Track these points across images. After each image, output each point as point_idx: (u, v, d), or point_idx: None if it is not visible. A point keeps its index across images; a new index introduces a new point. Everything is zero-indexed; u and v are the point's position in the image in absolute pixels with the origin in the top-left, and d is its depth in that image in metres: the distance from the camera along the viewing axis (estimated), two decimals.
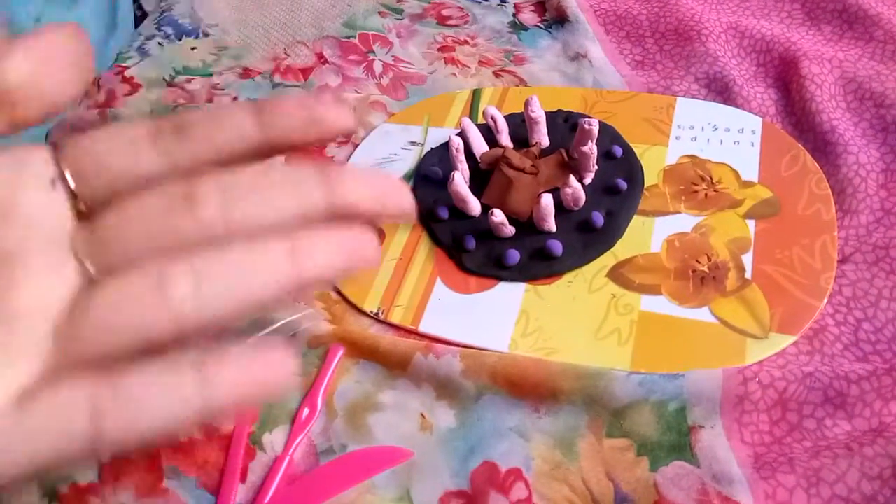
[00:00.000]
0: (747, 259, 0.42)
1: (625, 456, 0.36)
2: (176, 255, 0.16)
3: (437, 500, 0.36)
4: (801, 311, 0.39)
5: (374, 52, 0.61)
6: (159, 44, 0.67)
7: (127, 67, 0.65)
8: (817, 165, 0.45)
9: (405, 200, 0.18)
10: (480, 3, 0.64)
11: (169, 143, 0.17)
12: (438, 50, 0.60)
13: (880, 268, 0.40)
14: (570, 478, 0.36)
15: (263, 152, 0.18)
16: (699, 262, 0.42)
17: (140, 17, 0.98)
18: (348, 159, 0.53)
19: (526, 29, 0.61)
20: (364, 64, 0.60)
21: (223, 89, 0.61)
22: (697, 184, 0.46)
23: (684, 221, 0.44)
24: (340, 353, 0.42)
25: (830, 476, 0.33)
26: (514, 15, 0.62)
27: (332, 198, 0.17)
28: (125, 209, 0.16)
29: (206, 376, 0.15)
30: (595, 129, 0.44)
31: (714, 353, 0.38)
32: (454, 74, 0.58)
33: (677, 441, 0.35)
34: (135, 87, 0.63)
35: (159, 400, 0.15)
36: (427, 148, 0.52)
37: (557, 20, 0.60)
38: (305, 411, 0.39)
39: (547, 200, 0.43)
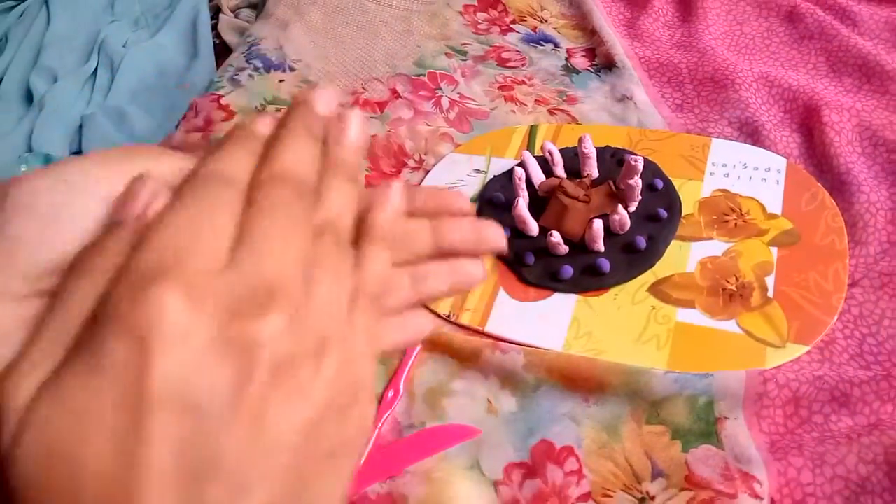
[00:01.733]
0: (770, 280, 0.49)
1: (661, 439, 0.43)
2: None
3: (502, 470, 0.43)
4: (814, 326, 0.46)
5: (441, 89, 0.69)
6: (250, 75, 0.76)
7: (222, 96, 0.74)
8: (833, 202, 0.52)
9: (498, 241, 0.25)
10: (536, 47, 0.72)
11: None
12: (499, 89, 0.68)
13: (885, 292, 0.47)
14: (615, 455, 0.43)
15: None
16: (728, 282, 0.49)
17: (218, 45, 1.08)
18: (420, 183, 0.61)
19: (577, 72, 0.69)
20: (433, 100, 0.68)
21: None
22: (728, 214, 0.53)
23: (716, 247, 0.51)
24: (418, 347, 0.49)
25: (833, 459, 0.39)
26: (566, 59, 0.70)
27: (439, 242, 0.24)
28: None
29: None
30: (640, 164, 0.51)
31: (739, 358, 0.45)
32: (513, 111, 0.66)
33: (706, 429, 0.42)
34: (230, 114, 0.72)
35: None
36: (490, 175, 0.60)
37: (606, 65, 0.68)
38: (390, 393, 0.47)
39: (597, 225, 0.50)
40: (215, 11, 1.10)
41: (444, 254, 0.24)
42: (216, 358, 0.15)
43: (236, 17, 1.06)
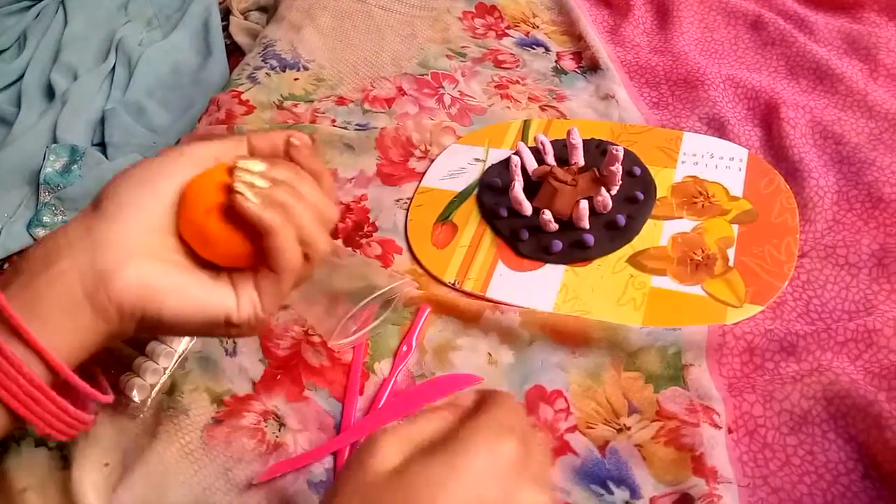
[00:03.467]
0: (731, 252, 0.56)
1: (636, 383, 0.50)
2: None
3: None
4: (768, 290, 0.54)
5: (443, 87, 0.77)
6: (267, 74, 0.83)
7: (241, 92, 0.81)
8: (788, 186, 0.60)
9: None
10: (529, 50, 0.80)
11: None
12: (495, 87, 0.76)
13: (829, 262, 0.55)
14: (597, 397, 0.50)
15: None
16: (695, 254, 0.57)
17: (229, 45, 1.14)
18: (425, 171, 0.68)
19: (566, 73, 0.76)
20: (436, 97, 0.76)
21: (323, 113, 0.76)
22: (696, 197, 0.61)
23: (685, 224, 0.59)
24: (428, 310, 0.56)
25: (780, 396, 0.47)
26: (556, 61, 0.78)
27: None
28: None
29: None
30: (620, 154, 0.59)
31: (703, 316, 0.53)
32: (508, 107, 0.73)
33: (674, 374, 0.50)
34: (250, 109, 0.79)
35: None
36: (488, 164, 0.67)
37: (591, 67, 0.76)
38: (404, 348, 0.54)
39: (584, 205, 0.58)
40: (225, 13, 1.16)
41: None
42: None
43: (246, 19, 1.13)
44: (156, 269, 0.35)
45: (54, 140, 0.94)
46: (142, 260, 0.35)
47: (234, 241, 0.37)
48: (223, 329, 0.37)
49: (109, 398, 0.38)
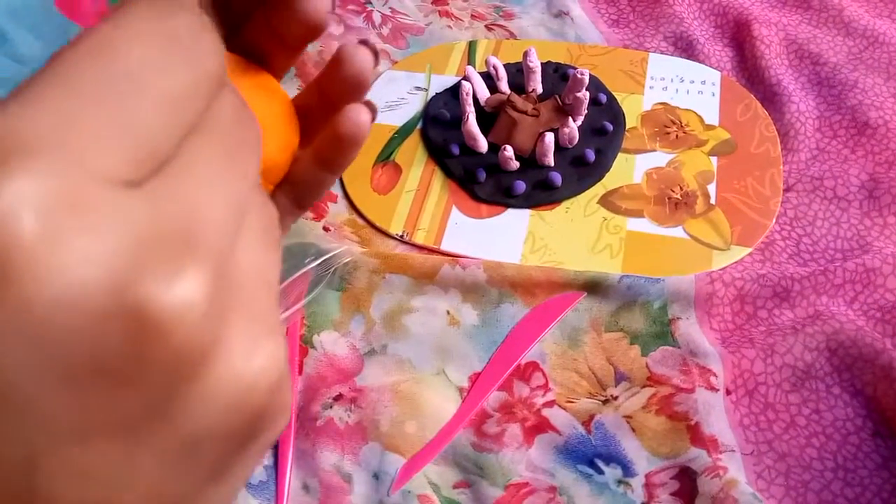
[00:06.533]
0: (712, 188, 0.50)
1: (620, 345, 0.44)
2: None
3: (468, 379, 0.43)
4: (755, 229, 0.48)
5: (371, 3, 0.66)
6: None
7: None
8: (766, 112, 0.54)
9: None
10: None
11: None
12: (432, 3, 0.66)
13: (816, 195, 0.50)
14: (578, 366, 0.44)
15: None
16: (673, 191, 0.51)
17: None
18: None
19: None
20: (363, 14, 0.65)
21: None
22: (669, 127, 0.54)
23: (660, 158, 0.53)
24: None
25: (781, 349, 0.42)
26: None
27: None
28: None
29: None
30: (587, 78, 0.51)
31: (687, 262, 0.47)
32: (449, 27, 0.64)
33: (661, 330, 0.44)
34: None
35: None
36: (432, 93, 0.58)
37: None
38: None
39: (549, 138, 0.50)
40: None
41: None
42: None
43: None
44: None
45: None
46: None
47: None
48: None
49: None
